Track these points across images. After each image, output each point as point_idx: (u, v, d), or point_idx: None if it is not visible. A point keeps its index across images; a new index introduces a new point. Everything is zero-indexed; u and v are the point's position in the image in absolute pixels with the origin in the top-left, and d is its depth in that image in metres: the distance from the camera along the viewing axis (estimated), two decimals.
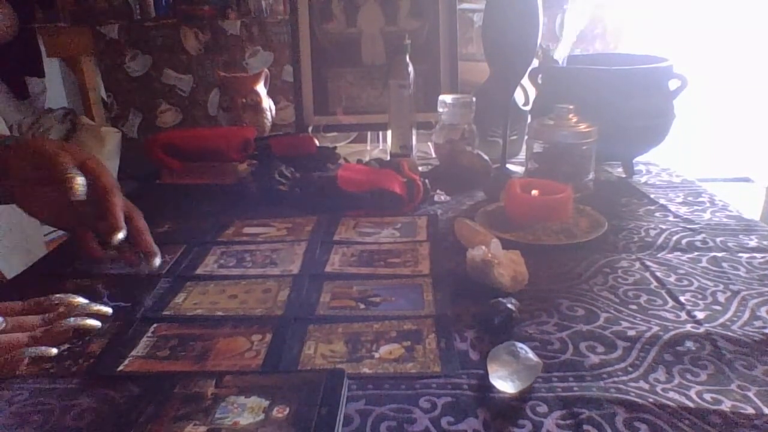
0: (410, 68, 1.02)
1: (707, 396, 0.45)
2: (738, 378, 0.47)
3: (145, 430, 0.41)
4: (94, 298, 0.63)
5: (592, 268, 0.67)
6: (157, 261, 0.66)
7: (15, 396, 0.47)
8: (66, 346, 0.54)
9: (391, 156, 1.07)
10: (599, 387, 0.46)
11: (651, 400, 0.45)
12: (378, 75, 1.19)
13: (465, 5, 2.26)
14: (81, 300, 0.58)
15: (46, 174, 0.61)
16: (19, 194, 0.65)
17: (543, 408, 0.44)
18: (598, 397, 0.45)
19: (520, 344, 0.49)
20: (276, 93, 1.92)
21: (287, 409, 0.42)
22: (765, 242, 0.72)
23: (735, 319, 0.56)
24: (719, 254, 0.69)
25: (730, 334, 0.53)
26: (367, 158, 1.07)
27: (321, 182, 0.88)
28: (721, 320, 0.56)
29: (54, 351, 0.51)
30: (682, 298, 0.60)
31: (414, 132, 1.07)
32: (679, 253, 0.70)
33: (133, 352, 0.52)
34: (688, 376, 0.48)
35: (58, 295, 0.58)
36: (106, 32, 2.69)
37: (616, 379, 0.47)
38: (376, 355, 0.51)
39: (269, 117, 1.30)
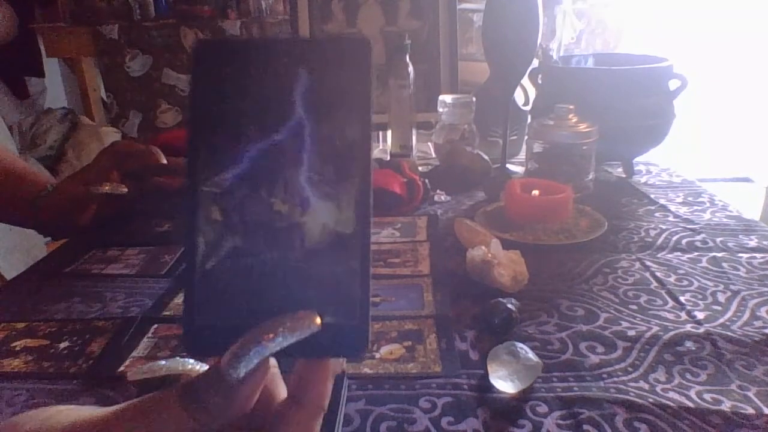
0: (410, 68, 1.02)
1: (707, 396, 0.45)
2: (738, 378, 0.47)
3: None
4: (96, 300, 0.64)
5: (592, 268, 0.67)
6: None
7: (15, 396, 0.47)
8: (66, 344, 0.54)
9: (391, 156, 1.07)
10: (599, 387, 0.46)
11: (651, 400, 0.45)
12: (378, 75, 1.19)
13: (465, 5, 2.26)
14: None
15: None
16: None
17: (543, 408, 0.44)
18: (598, 397, 0.45)
19: (520, 344, 0.49)
20: None
21: None
22: (765, 242, 0.72)
23: (735, 319, 0.56)
24: (719, 254, 0.69)
25: (730, 334, 0.53)
26: None
27: None
28: (721, 320, 0.56)
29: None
30: (682, 298, 0.60)
31: (414, 132, 1.07)
32: (679, 253, 0.70)
33: (134, 353, 0.52)
34: (688, 376, 0.48)
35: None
36: (106, 32, 2.68)
37: (616, 379, 0.47)
38: (377, 355, 0.51)
39: None
